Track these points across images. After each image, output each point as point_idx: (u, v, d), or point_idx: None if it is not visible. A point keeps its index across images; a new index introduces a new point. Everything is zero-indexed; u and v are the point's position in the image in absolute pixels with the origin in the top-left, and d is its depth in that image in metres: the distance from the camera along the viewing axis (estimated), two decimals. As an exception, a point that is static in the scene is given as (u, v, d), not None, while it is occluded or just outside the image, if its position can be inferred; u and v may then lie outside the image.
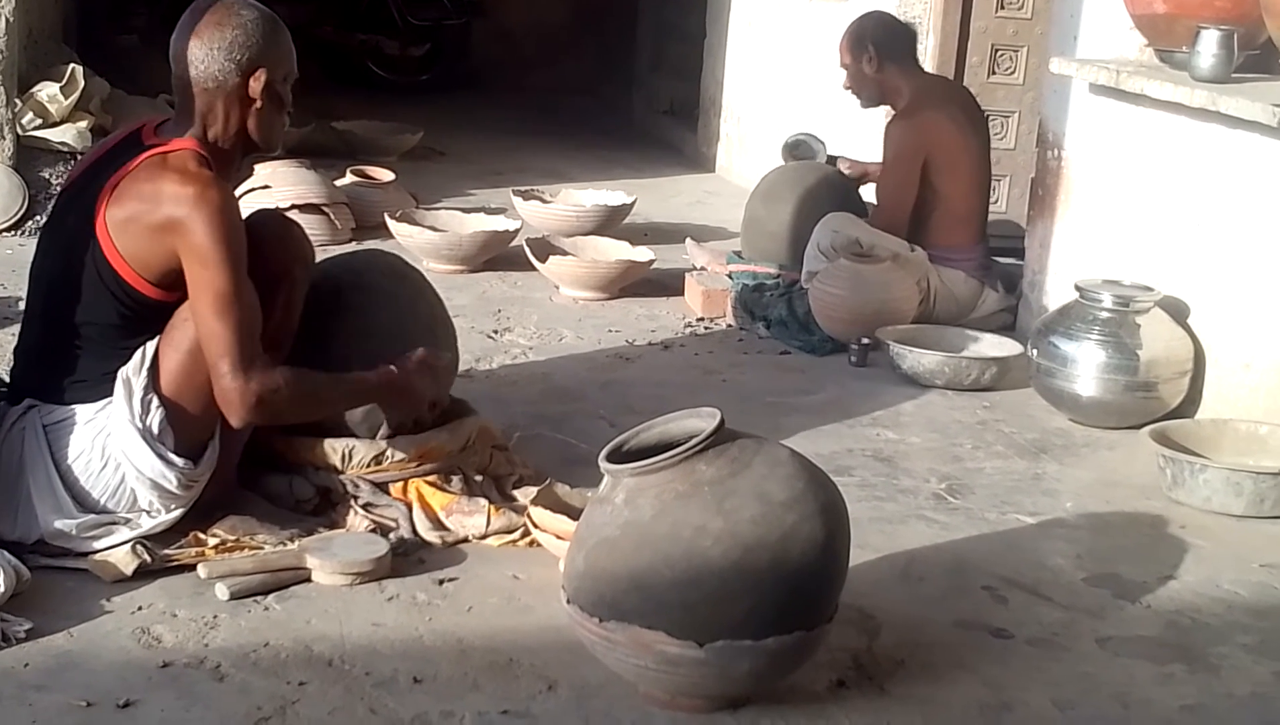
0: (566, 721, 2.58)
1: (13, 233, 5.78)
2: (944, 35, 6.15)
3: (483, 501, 3.33)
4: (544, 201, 6.29)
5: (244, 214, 3.12)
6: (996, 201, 6.10)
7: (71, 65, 6.22)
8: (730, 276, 5.47)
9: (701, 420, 2.65)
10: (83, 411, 3.04)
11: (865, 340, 4.77)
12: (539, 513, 3.22)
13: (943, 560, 3.35)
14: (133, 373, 3.01)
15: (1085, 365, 4.25)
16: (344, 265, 3.61)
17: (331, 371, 3.19)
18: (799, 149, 5.99)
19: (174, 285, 2.99)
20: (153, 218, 2.95)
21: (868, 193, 5.62)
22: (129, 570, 2.97)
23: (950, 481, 3.84)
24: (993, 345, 4.80)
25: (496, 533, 3.27)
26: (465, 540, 3.27)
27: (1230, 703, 2.80)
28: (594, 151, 8.63)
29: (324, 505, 3.33)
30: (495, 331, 4.97)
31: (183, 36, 3.09)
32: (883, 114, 5.42)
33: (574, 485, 3.38)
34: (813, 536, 2.52)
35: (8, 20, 5.76)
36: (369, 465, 3.34)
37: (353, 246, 5.87)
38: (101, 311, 3.03)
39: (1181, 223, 4.39)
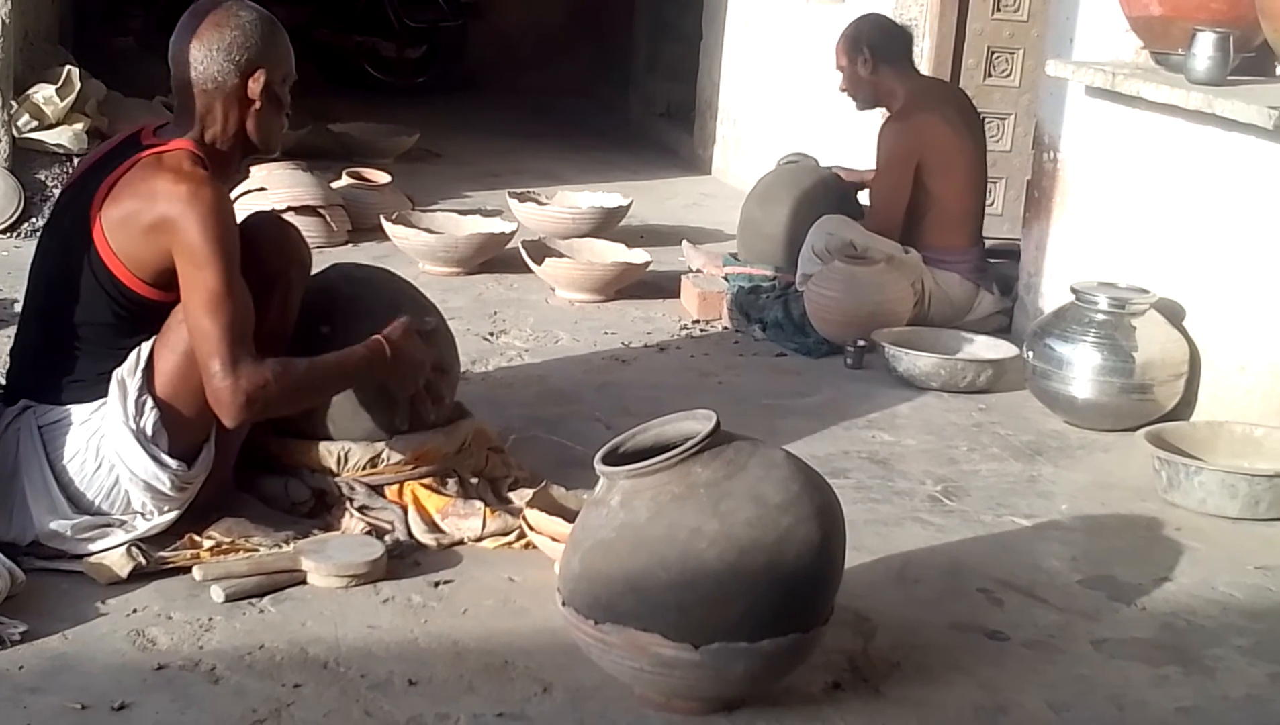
0: (561, 724, 2.58)
1: (8, 235, 5.78)
2: (940, 37, 6.16)
3: (478, 504, 3.33)
4: (540, 204, 6.29)
5: (240, 216, 3.12)
6: (992, 204, 6.10)
7: (67, 67, 6.21)
8: (726, 279, 5.47)
9: (697, 422, 2.65)
10: (78, 412, 3.04)
11: (861, 342, 4.77)
12: (534, 515, 3.22)
13: (938, 562, 3.35)
14: (127, 374, 3.01)
15: (1081, 367, 4.25)
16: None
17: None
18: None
19: (169, 285, 2.99)
20: (147, 217, 2.95)
21: (865, 197, 5.62)
22: (124, 572, 2.97)
23: (946, 484, 3.84)
24: (988, 347, 4.81)
25: (492, 535, 3.27)
26: (461, 543, 3.27)
27: (1225, 705, 2.81)
28: (590, 153, 8.63)
29: (319, 507, 3.32)
30: (491, 334, 4.97)
31: (182, 38, 3.09)
32: (879, 116, 5.42)
33: (570, 487, 3.38)
34: (808, 539, 2.52)
35: (4, 22, 5.76)
36: (364, 468, 3.34)
37: (348, 247, 5.93)
38: (98, 312, 3.04)
39: (1177, 225, 4.40)
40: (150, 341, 3.04)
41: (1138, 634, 3.07)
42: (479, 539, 3.27)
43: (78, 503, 3.03)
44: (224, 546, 3.09)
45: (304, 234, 3.49)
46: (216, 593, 2.94)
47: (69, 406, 3.04)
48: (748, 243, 5.61)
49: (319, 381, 3.16)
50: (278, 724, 2.53)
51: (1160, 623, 3.12)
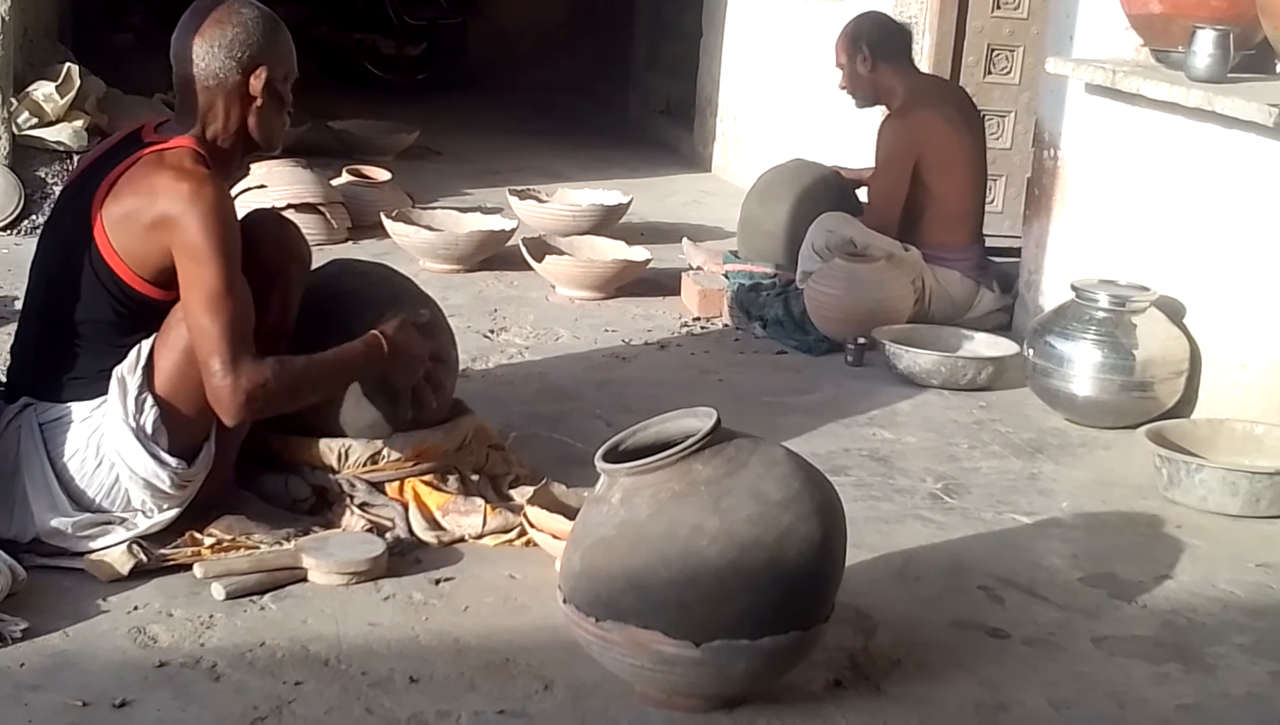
0: (562, 721, 2.58)
1: (9, 232, 5.78)
2: (940, 35, 6.16)
3: (479, 501, 3.33)
4: (540, 201, 6.29)
5: (240, 213, 3.12)
6: (992, 201, 6.10)
7: (67, 64, 6.21)
8: (726, 276, 5.47)
9: (698, 420, 2.65)
10: (79, 409, 3.04)
11: (861, 340, 4.77)
12: (535, 512, 3.22)
13: (939, 560, 3.35)
14: (127, 371, 3.01)
15: (1081, 365, 4.25)
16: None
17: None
18: None
19: (170, 283, 2.99)
20: (148, 214, 2.95)
21: (863, 194, 5.62)
22: (125, 570, 2.97)
23: (946, 481, 3.84)
24: (989, 345, 4.81)
25: (493, 532, 3.27)
26: (461, 540, 3.27)
27: (1226, 702, 2.81)
28: (590, 151, 8.63)
29: (320, 505, 3.33)
30: (491, 331, 4.97)
31: (184, 34, 3.09)
32: (879, 114, 5.42)
33: (570, 485, 3.38)
34: (809, 536, 2.52)
35: (4, 19, 5.76)
36: (365, 465, 3.34)
37: (348, 245, 5.92)
38: (98, 309, 3.03)
39: (1178, 223, 4.40)
40: (150, 339, 3.04)
41: (1138, 631, 3.07)
42: (480, 536, 3.27)
43: (78, 500, 3.03)
44: (225, 544, 3.10)
45: (304, 231, 3.50)
46: (217, 590, 2.94)
47: (69, 404, 3.04)
48: (748, 240, 5.61)
49: (318, 378, 3.16)
50: (279, 721, 2.53)
51: (1161, 620, 3.12)
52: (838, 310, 4.89)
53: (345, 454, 3.33)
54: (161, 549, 3.04)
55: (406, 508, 3.30)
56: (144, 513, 3.06)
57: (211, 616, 2.87)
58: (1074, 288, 4.37)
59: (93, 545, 3.01)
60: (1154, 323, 4.27)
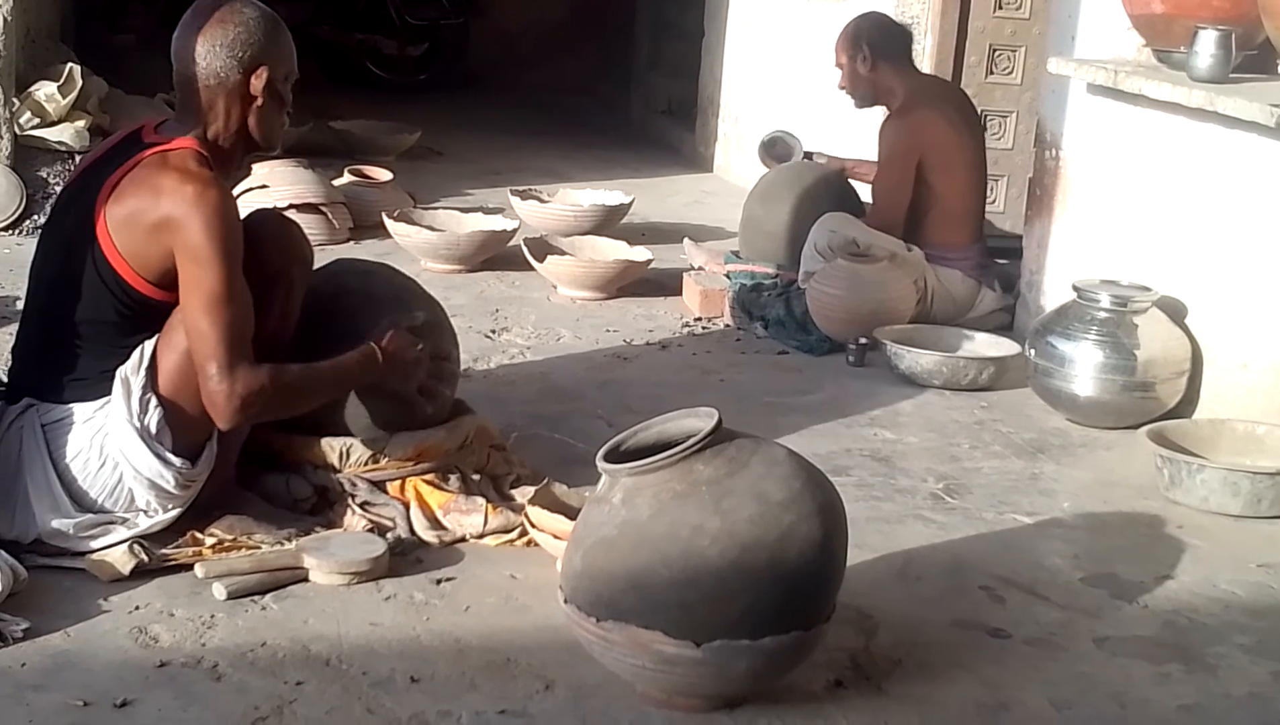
0: (563, 721, 2.58)
1: (10, 232, 5.78)
2: (942, 35, 6.15)
3: (480, 501, 3.33)
4: (542, 201, 6.29)
5: (242, 213, 3.12)
6: (994, 201, 6.11)
7: (69, 65, 6.21)
8: (728, 276, 5.47)
9: (699, 420, 2.65)
10: (81, 410, 3.04)
11: (863, 340, 4.77)
12: (536, 512, 3.22)
13: (940, 560, 3.35)
14: (131, 372, 3.01)
15: (1083, 365, 4.25)
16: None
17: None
18: (775, 146, 6.00)
19: (172, 284, 2.99)
20: (151, 216, 2.95)
21: (864, 192, 5.62)
22: (126, 570, 2.97)
23: (948, 481, 3.84)
24: (990, 345, 4.81)
25: (494, 532, 3.27)
26: (463, 540, 3.27)
27: (1228, 703, 2.81)
28: (592, 151, 8.63)
29: (321, 504, 3.33)
30: (493, 331, 4.97)
31: (185, 34, 3.10)
32: (880, 114, 5.42)
33: (571, 485, 3.38)
34: (810, 536, 2.52)
35: (6, 19, 5.76)
36: (366, 464, 3.34)
37: (350, 245, 5.92)
38: (100, 310, 3.04)
39: (1179, 223, 4.40)
40: (153, 339, 3.04)
41: (1140, 632, 3.07)
42: (481, 536, 3.27)
43: (80, 501, 3.03)
44: (226, 544, 3.10)
45: (306, 232, 3.49)
46: (219, 590, 2.94)
47: (72, 405, 3.04)
48: (749, 240, 5.61)
49: (313, 387, 3.17)
50: (280, 721, 2.53)
51: (1162, 620, 3.12)
52: (840, 310, 4.89)
53: (346, 453, 3.33)
54: (163, 549, 3.04)
55: (408, 507, 3.30)
56: (147, 512, 3.06)
57: (213, 616, 2.87)
58: (1075, 288, 4.37)
59: (94, 545, 3.02)
60: (1155, 323, 4.26)
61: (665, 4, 9.86)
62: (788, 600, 2.51)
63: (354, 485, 3.32)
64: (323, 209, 6.03)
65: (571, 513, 3.13)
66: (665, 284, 5.61)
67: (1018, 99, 6.26)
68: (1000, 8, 6.19)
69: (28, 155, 5.94)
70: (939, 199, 5.16)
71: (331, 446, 3.33)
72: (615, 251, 5.66)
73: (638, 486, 2.56)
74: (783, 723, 2.62)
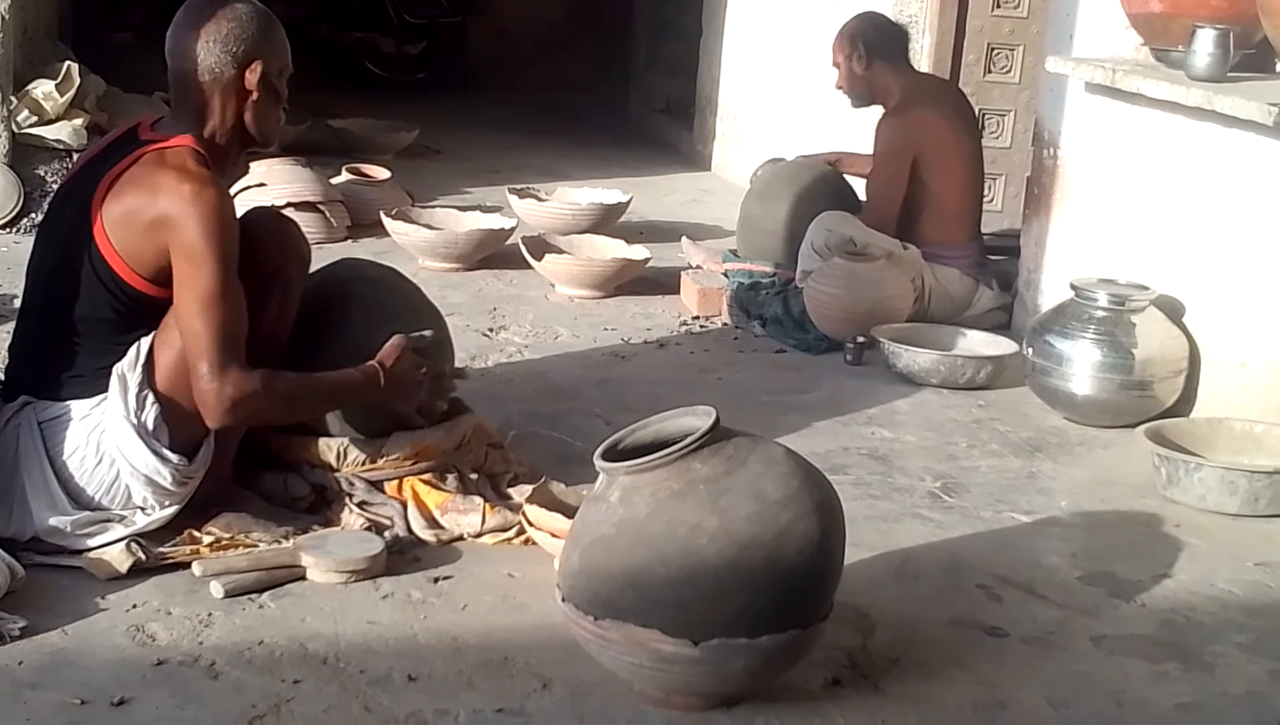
0: (561, 720, 2.58)
1: (8, 230, 5.78)
2: (940, 34, 6.15)
3: (478, 500, 3.33)
4: (540, 199, 6.29)
5: (240, 211, 3.12)
6: (991, 200, 6.11)
7: (67, 63, 6.21)
8: (726, 275, 5.47)
9: (697, 418, 2.65)
10: (78, 407, 3.04)
11: (860, 338, 4.77)
12: (534, 511, 3.22)
13: (938, 558, 3.35)
14: (128, 368, 3.01)
15: (1080, 364, 4.25)
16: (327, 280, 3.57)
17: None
18: None
19: (169, 282, 2.99)
20: (148, 214, 2.95)
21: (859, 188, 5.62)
22: (124, 568, 2.97)
23: (945, 480, 3.84)
24: (988, 344, 4.81)
25: (491, 531, 3.27)
26: (460, 538, 3.27)
27: (1225, 701, 2.81)
28: (590, 149, 8.62)
29: (319, 503, 3.33)
30: (491, 330, 4.97)
31: (179, 31, 3.10)
32: (878, 113, 5.42)
33: (569, 483, 3.38)
34: (808, 535, 2.52)
35: (4, 17, 5.76)
36: (364, 463, 3.34)
37: (347, 243, 5.92)
38: (97, 307, 3.03)
39: (1177, 222, 4.40)
40: (150, 336, 3.04)
41: (1137, 630, 3.07)
42: (478, 535, 3.27)
43: (77, 498, 3.03)
44: (223, 542, 3.10)
45: (304, 230, 3.49)
46: (216, 588, 2.94)
47: (69, 402, 3.04)
48: (747, 239, 5.61)
49: (309, 398, 3.17)
50: (277, 719, 2.53)
51: (1160, 619, 3.12)
52: (837, 309, 4.89)
53: (344, 452, 3.33)
54: (160, 547, 3.04)
55: (405, 506, 3.30)
56: (144, 510, 3.06)
57: (210, 615, 2.87)
58: (1073, 286, 4.37)
59: (91, 543, 3.02)
60: (1153, 322, 4.27)
61: (664, 3, 9.85)
62: (785, 599, 2.51)
63: (351, 484, 3.32)
64: (320, 207, 6.02)
65: (569, 511, 3.13)
66: (663, 282, 5.61)
67: (1016, 98, 6.26)
68: (998, 6, 6.19)
69: (25, 153, 5.93)
70: (935, 197, 5.16)
71: (329, 445, 3.32)
72: (613, 250, 5.66)
73: (635, 485, 2.56)
74: (780, 721, 2.62)
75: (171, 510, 3.08)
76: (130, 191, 2.98)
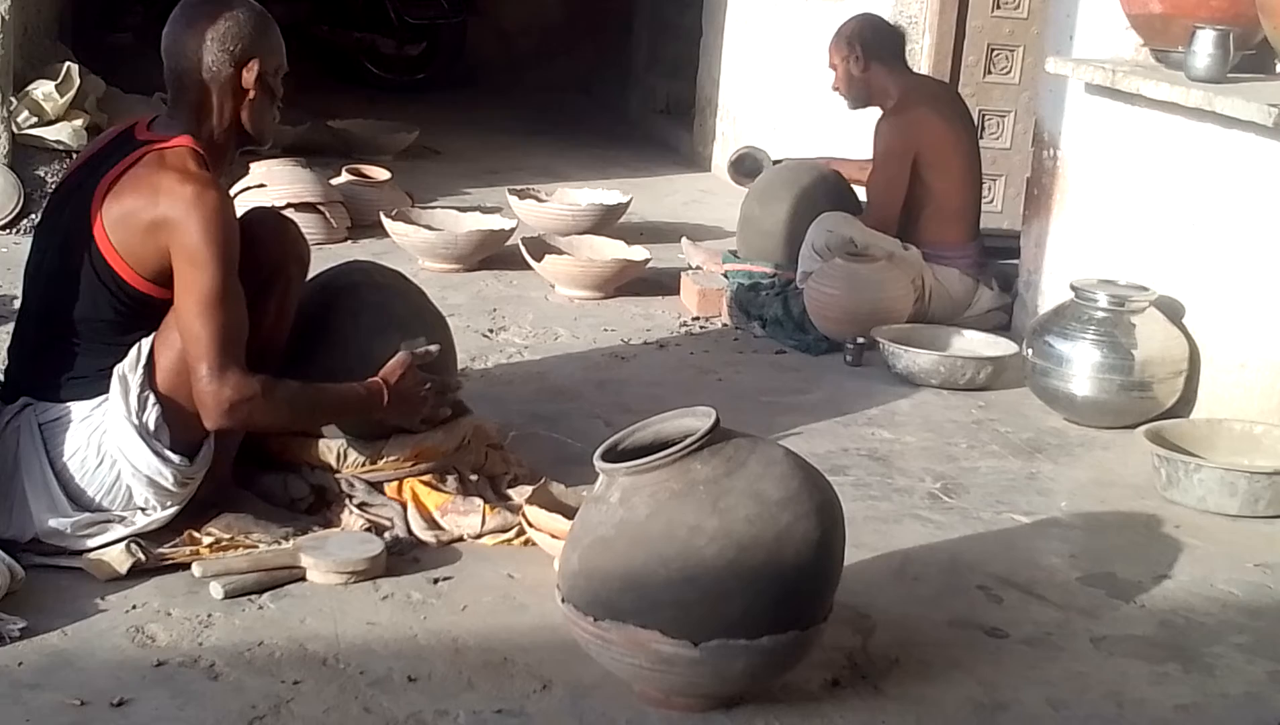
0: (561, 721, 2.58)
1: (8, 231, 5.78)
2: (940, 35, 6.16)
3: (478, 501, 3.33)
4: (539, 200, 6.29)
5: (240, 212, 3.13)
6: (991, 201, 6.11)
7: (67, 63, 6.21)
8: (726, 276, 5.47)
9: (696, 419, 2.65)
10: (78, 409, 3.04)
11: (860, 339, 4.77)
12: (534, 512, 3.22)
13: (938, 559, 3.35)
14: (129, 369, 3.01)
15: (1080, 365, 4.25)
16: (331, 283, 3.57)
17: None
18: (744, 163, 6.03)
19: (169, 282, 2.99)
20: (148, 215, 2.95)
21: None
22: (123, 569, 2.97)
23: (945, 481, 3.84)
24: (988, 344, 4.81)
25: (491, 532, 3.27)
26: (460, 539, 3.27)
27: (1225, 702, 2.81)
28: (590, 150, 8.62)
29: (319, 504, 3.33)
30: (490, 330, 4.97)
31: (176, 30, 3.11)
32: (876, 114, 5.42)
33: (569, 484, 3.38)
34: (808, 536, 2.52)
35: (3, 18, 5.76)
36: (364, 464, 3.34)
37: (347, 244, 5.92)
38: (97, 308, 3.03)
39: (1177, 223, 4.40)
40: (150, 337, 3.04)
41: (1137, 631, 3.07)
42: (478, 536, 3.27)
43: (78, 500, 3.03)
44: (223, 543, 3.10)
45: (304, 231, 3.50)
46: (216, 589, 2.94)
47: (69, 404, 3.04)
48: (747, 240, 5.61)
49: (307, 408, 3.17)
50: (277, 720, 2.53)
51: (1159, 620, 3.12)
52: (837, 310, 4.89)
53: (344, 453, 3.33)
54: (160, 548, 3.04)
55: (405, 507, 3.30)
56: (145, 510, 3.06)
57: (210, 615, 2.87)
58: (1073, 287, 4.37)
59: (91, 544, 3.01)
60: (1153, 322, 4.27)
61: (664, 3, 9.86)
62: (785, 600, 2.51)
63: (351, 485, 3.32)
64: (320, 208, 6.02)
65: (569, 512, 3.13)
66: (663, 283, 5.61)
67: (1016, 98, 6.26)
68: (998, 7, 6.19)
69: (25, 154, 5.93)
70: (935, 197, 5.16)
71: (329, 447, 3.32)
72: (613, 251, 5.66)
73: (635, 486, 2.56)
74: (780, 722, 2.62)
75: (172, 511, 3.08)
76: (130, 192, 2.98)
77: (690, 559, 2.47)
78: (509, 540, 3.26)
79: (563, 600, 2.62)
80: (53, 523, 3.00)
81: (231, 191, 5.62)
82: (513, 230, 5.84)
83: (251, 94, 3.11)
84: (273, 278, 3.22)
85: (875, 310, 4.84)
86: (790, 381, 4.62)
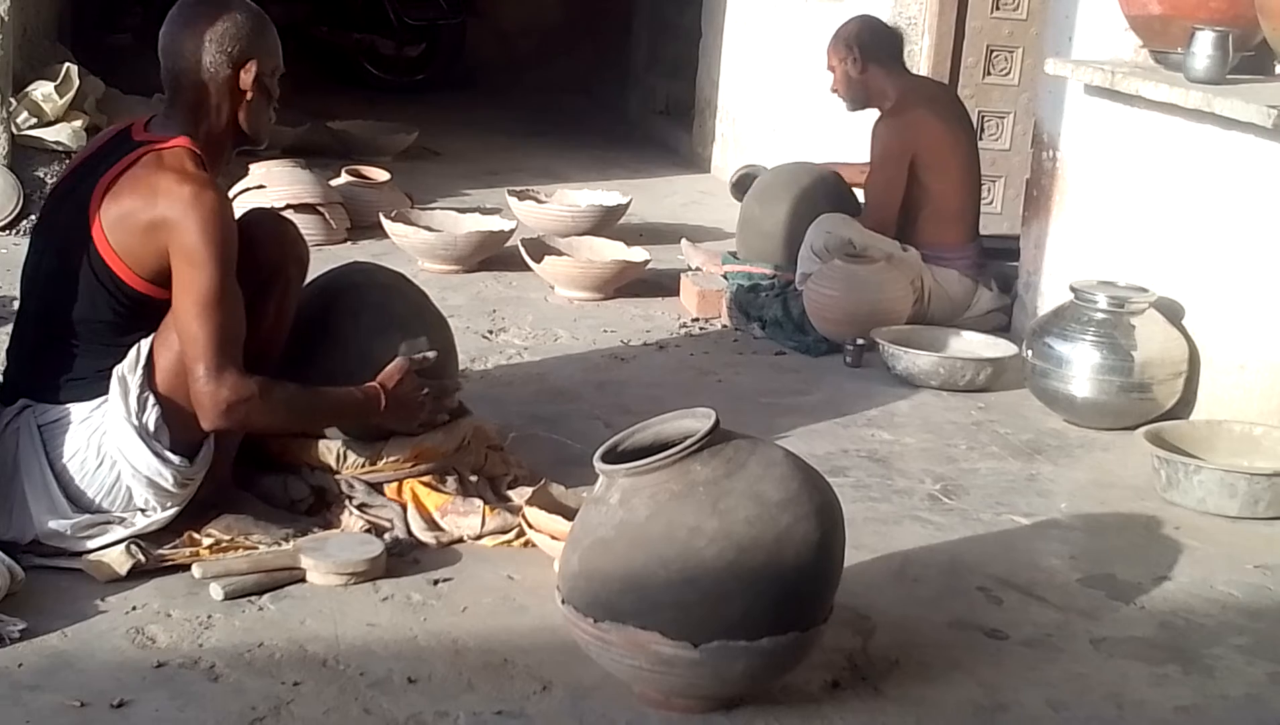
0: (561, 722, 2.58)
1: (7, 232, 5.78)
2: (939, 36, 6.16)
3: (478, 502, 3.33)
4: (539, 201, 6.29)
5: (238, 213, 3.13)
6: (990, 202, 6.11)
7: (66, 64, 6.21)
8: (725, 277, 5.47)
9: (696, 421, 2.65)
10: (78, 410, 3.03)
11: (860, 341, 4.77)
12: (534, 513, 3.22)
13: (937, 561, 3.35)
14: (128, 370, 3.01)
15: (1080, 366, 4.25)
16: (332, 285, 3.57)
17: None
18: (745, 182, 6.03)
19: (168, 282, 2.99)
20: (147, 215, 2.95)
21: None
22: (123, 570, 2.97)
23: (945, 482, 3.84)
24: (987, 346, 4.81)
25: (491, 533, 3.27)
26: (460, 541, 3.27)
27: (1225, 704, 2.81)
28: (589, 151, 8.62)
29: (319, 505, 3.33)
30: (490, 332, 4.97)
31: (174, 30, 3.11)
32: (873, 115, 5.43)
33: (569, 486, 3.38)
34: (807, 537, 2.52)
35: (3, 19, 5.76)
36: (364, 465, 3.34)
37: (347, 245, 5.92)
38: (96, 309, 3.03)
39: (1176, 224, 4.40)
40: (149, 338, 3.04)
41: (1137, 633, 3.07)
42: (478, 537, 3.27)
43: (77, 501, 3.03)
44: (223, 544, 3.10)
45: (303, 232, 3.50)
46: (216, 590, 2.94)
47: (68, 405, 3.04)
48: (747, 241, 5.61)
49: (305, 410, 3.18)
50: (277, 721, 2.53)
51: (1159, 621, 3.12)
52: (837, 311, 4.89)
53: (344, 454, 3.33)
54: (160, 549, 3.04)
55: (405, 508, 3.30)
56: (145, 511, 3.06)
57: (210, 617, 2.87)
58: (1073, 289, 4.37)
59: (91, 545, 3.01)
60: (1153, 324, 4.27)
61: (663, 4, 9.86)
62: (785, 601, 2.51)
63: (351, 486, 3.32)
64: (320, 209, 6.02)
65: (569, 513, 3.13)
66: (663, 284, 5.61)
67: (1015, 100, 6.26)
68: (998, 9, 6.19)
69: (25, 155, 5.94)
70: (933, 198, 5.16)
71: (329, 448, 3.32)
72: (612, 252, 5.66)
73: (635, 487, 2.56)
74: (780, 724, 2.62)
75: (172, 512, 3.08)
76: (129, 193, 2.98)
77: (690, 560, 2.47)
78: (509, 541, 3.26)
79: (563, 601, 2.62)
80: (52, 524, 3.00)
81: (231, 192, 5.62)
82: (512, 231, 5.84)
83: (249, 95, 3.11)
84: (272, 279, 3.22)
85: (874, 311, 4.84)
86: (790, 383, 4.62)
